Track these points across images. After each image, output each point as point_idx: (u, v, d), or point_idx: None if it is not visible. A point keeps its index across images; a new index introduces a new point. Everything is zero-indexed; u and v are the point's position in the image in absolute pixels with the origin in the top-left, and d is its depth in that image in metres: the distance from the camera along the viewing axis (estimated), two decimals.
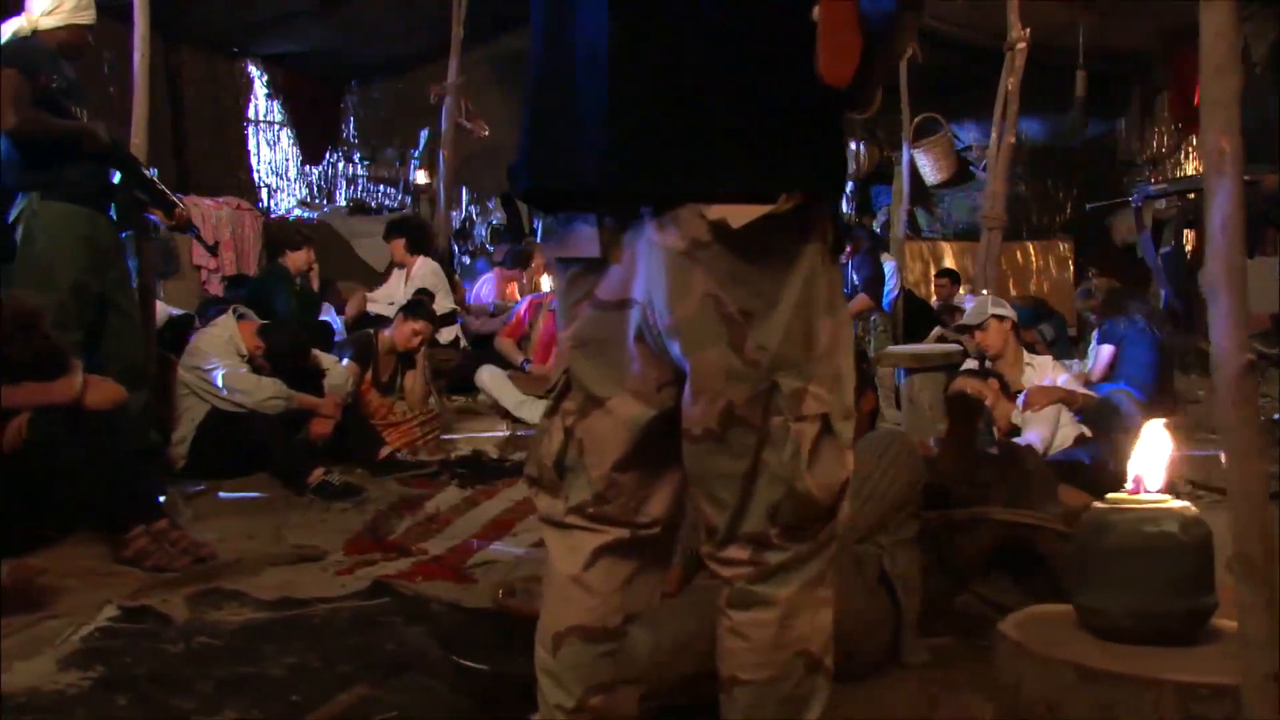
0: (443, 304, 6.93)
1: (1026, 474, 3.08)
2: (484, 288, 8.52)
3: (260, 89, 11.29)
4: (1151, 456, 1.75)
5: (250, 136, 11.23)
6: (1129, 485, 1.73)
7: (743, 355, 1.47)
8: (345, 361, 5.34)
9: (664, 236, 1.46)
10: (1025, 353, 4.77)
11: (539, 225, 12.13)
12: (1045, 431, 4.14)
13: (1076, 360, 6.50)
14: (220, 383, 4.68)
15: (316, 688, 2.54)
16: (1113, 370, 6.08)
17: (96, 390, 3.69)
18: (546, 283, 8.87)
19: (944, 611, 2.90)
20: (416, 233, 7.66)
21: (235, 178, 10.70)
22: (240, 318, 4.96)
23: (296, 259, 6.47)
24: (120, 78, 7.95)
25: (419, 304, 5.81)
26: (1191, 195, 8.07)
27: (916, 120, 10.22)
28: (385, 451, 5.08)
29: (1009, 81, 5.61)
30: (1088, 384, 5.14)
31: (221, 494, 4.53)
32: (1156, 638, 1.63)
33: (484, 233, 12.94)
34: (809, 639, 1.55)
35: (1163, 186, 8.77)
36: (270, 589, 3.30)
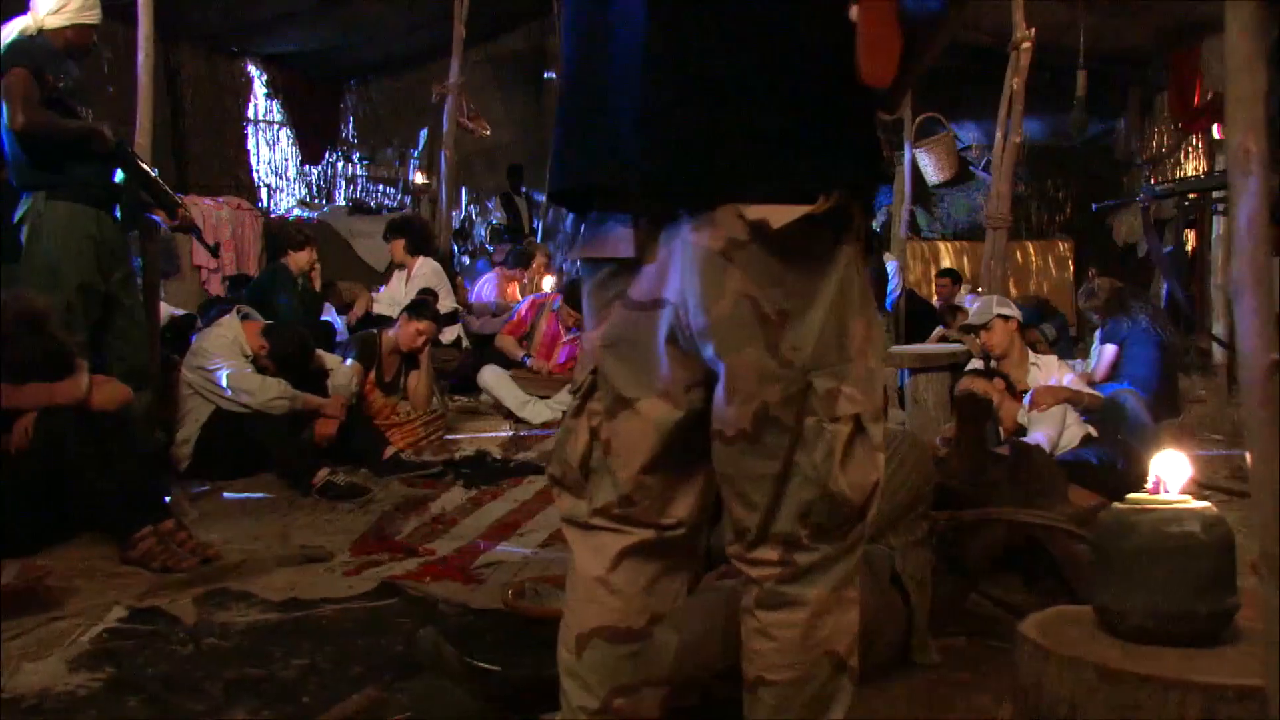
0: (445, 304, 6.93)
1: (1037, 474, 3.08)
2: (485, 287, 8.51)
3: (259, 88, 11.30)
4: (1172, 457, 1.75)
5: (249, 136, 11.23)
6: (1150, 485, 1.72)
7: (778, 356, 1.47)
8: (349, 362, 5.33)
9: (700, 236, 1.46)
10: (1030, 352, 4.77)
11: (539, 225, 12.16)
12: (1052, 431, 4.13)
13: (1079, 360, 6.50)
14: (225, 383, 4.67)
15: (327, 689, 2.54)
16: (1115, 370, 6.09)
17: (103, 390, 3.70)
18: (548, 283, 8.87)
19: (954, 612, 2.89)
20: (417, 233, 7.65)
21: (234, 177, 10.71)
22: (244, 318, 4.95)
23: (299, 259, 6.46)
24: (119, 78, 7.96)
25: (423, 304, 5.80)
26: (1192, 195, 8.06)
27: (918, 120, 10.23)
28: (389, 452, 5.07)
29: (1014, 81, 5.60)
30: (1090, 384, 5.14)
31: (226, 494, 4.53)
32: (1179, 639, 1.63)
33: (483, 232, 12.94)
34: (835, 639, 1.55)
35: (1169, 186, 8.77)
36: (278, 590, 3.30)
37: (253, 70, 11.13)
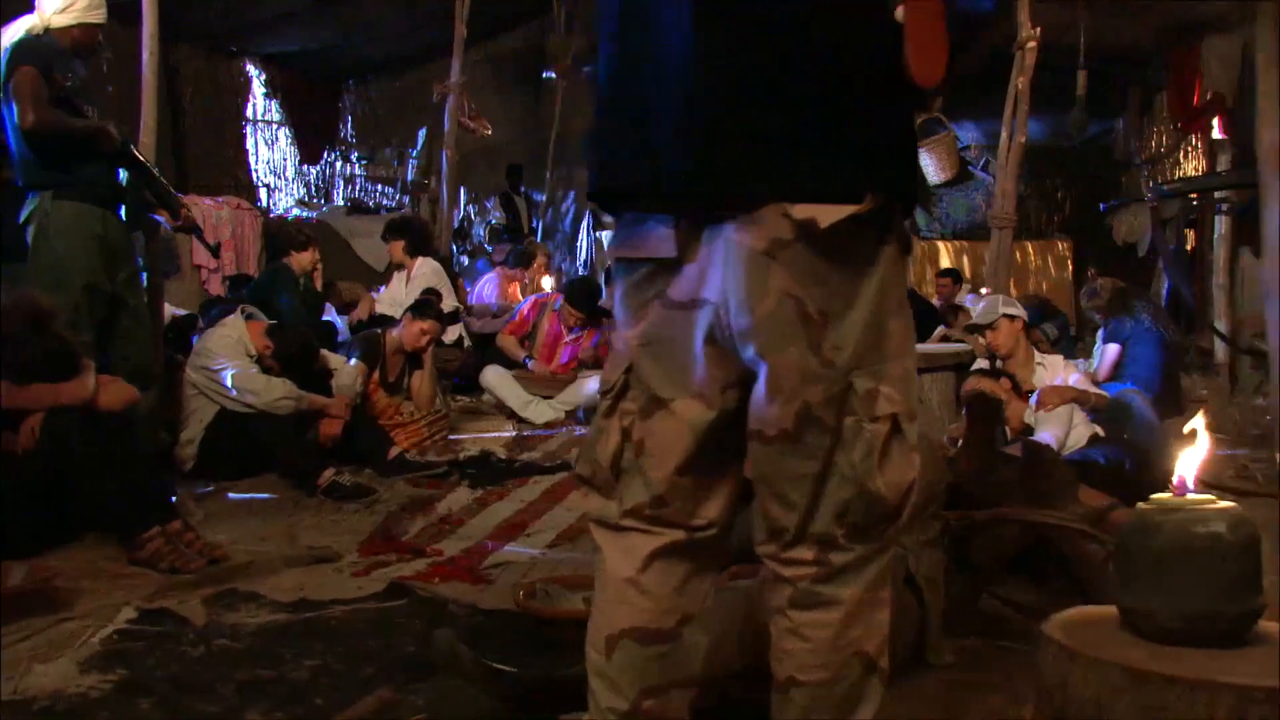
0: (446, 303, 6.92)
1: (1048, 474, 3.07)
2: (486, 287, 8.50)
3: (258, 88, 11.28)
4: (1193, 456, 1.74)
5: (248, 136, 11.21)
6: (1174, 485, 1.72)
7: (820, 356, 1.47)
8: (353, 361, 5.32)
9: (744, 236, 1.45)
10: (1036, 352, 4.77)
11: (538, 224, 12.14)
12: (1058, 431, 4.13)
13: (1081, 359, 6.50)
14: (230, 383, 4.65)
15: (339, 690, 2.53)
16: (1118, 370, 6.10)
17: (109, 391, 3.69)
18: (547, 283, 8.87)
19: (966, 612, 2.89)
20: (416, 233, 7.64)
21: (233, 177, 10.69)
22: (248, 318, 4.94)
23: (302, 259, 6.45)
24: (118, 77, 7.94)
25: (427, 304, 5.79)
26: (1194, 195, 8.08)
27: (920, 120, 10.22)
28: (394, 452, 5.06)
29: (1019, 81, 5.59)
30: (1094, 383, 5.14)
31: (231, 495, 4.52)
32: (1204, 640, 1.62)
33: (482, 232, 12.93)
34: (866, 640, 1.55)
35: (1178, 185, 8.79)
36: (287, 591, 3.29)
37: (251, 70, 11.12)
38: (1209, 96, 10.09)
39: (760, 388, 1.50)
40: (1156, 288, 9.76)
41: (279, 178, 11.71)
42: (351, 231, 9.77)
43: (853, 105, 1.43)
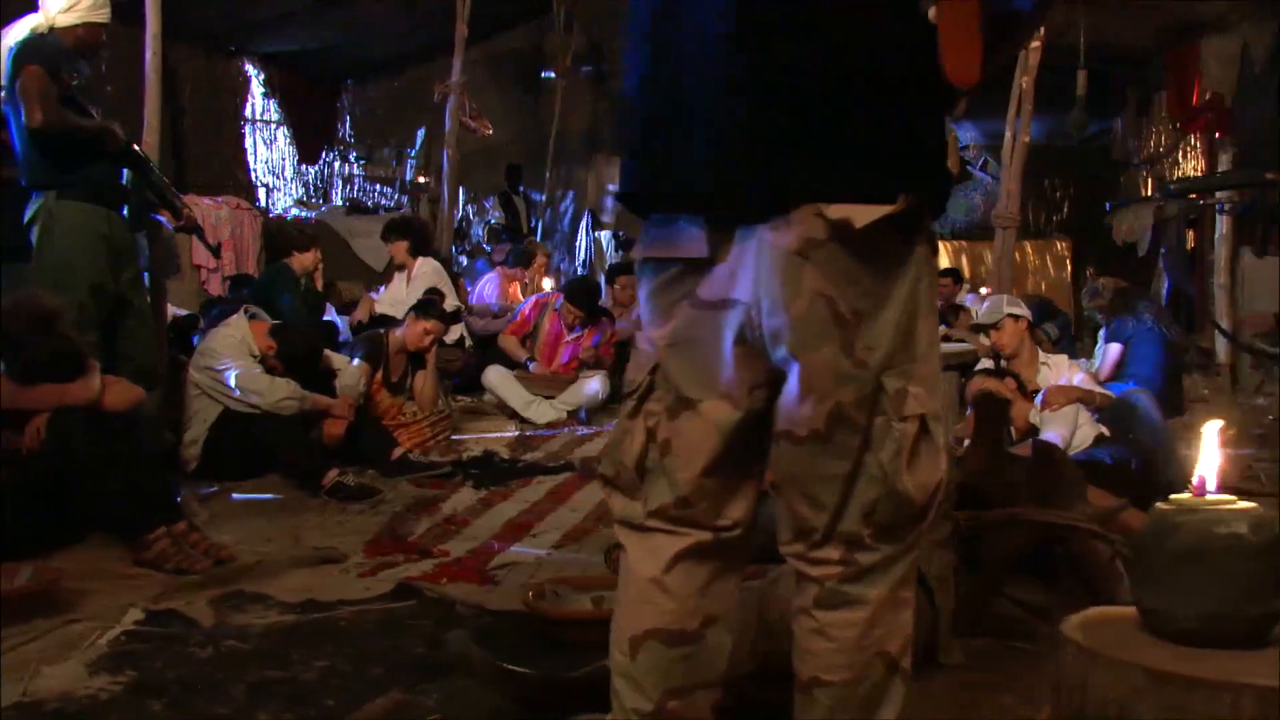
0: (448, 303, 6.91)
1: (1058, 474, 3.07)
2: (486, 287, 8.49)
3: (257, 88, 11.26)
4: (1212, 456, 1.74)
5: (247, 135, 11.19)
6: (1193, 485, 1.71)
7: (852, 356, 1.47)
8: (356, 362, 5.31)
9: (778, 236, 1.46)
10: (1040, 352, 4.77)
11: (536, 224, 12.13)
12: (1064, 431, 4.13)
13: (1083, 359, 6.51)
14: (234, 383, 4.64)
15: (349, 691, 2.53)
16: (1120, 369, 6.10)
17: (115, 391, 3.69)
18: (547, 283, 8.86)
19: (976, 612, 2.89)
20: (418, 234, 7.63)
21: (232, 177, 10.68)
22: (252, 318, 4.92)
23: (304, 260, 6.44)
24: (117, 77, 7.92)
25: (430, 303, 5.78)
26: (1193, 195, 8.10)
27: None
28: (397, 452, 5.04)
29: (1023, 80, 5.60)
30: (1096, 383, 5.14)
31: (235, 495, 4.50)
32: (1227, 641, 1.61)
33: (480, 232, 12.92)
34: (889, 640, 1.55)
35: (1187, 184, 8.80)
36: (294, 591, 3.28)
37: (250, 69, 11.10)
38: (1208, 97, 10.11)
39: (792, 388, 1.50)
40: (1156, 287, 9.77)
41: (277, 177, 11.70)
42: (350, 231, 9.76)
43: (886, 106, 1.44)
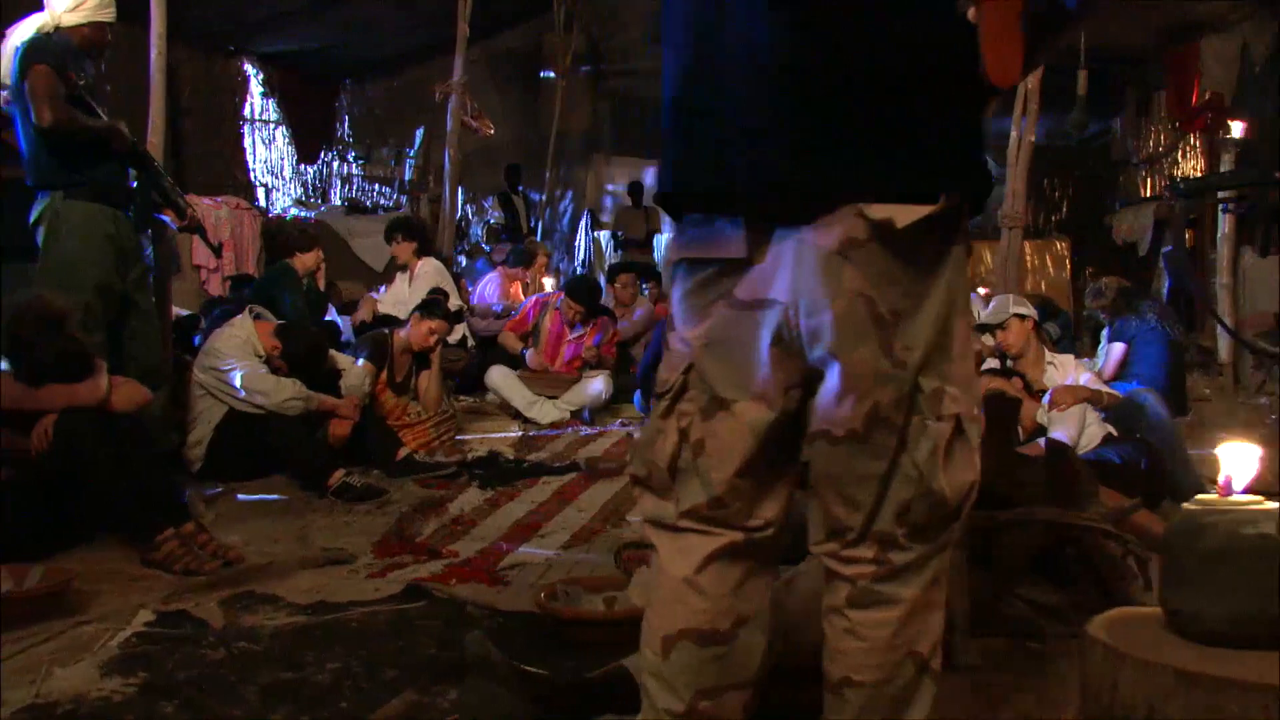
0: (451, 302, 6.90)
1: (1071, 474, 3.07)
2: (488, 288, 8.48)
3: (256, 88, 11.25)
4: (1240, 457, 1.73)
5: (246, 135, 11.18)
6: (1219, 485, 1.71)
7: (891, 356, 1.47)
8: (361, 362, 5.30)
9: (818, 236, 1.45)
10: (1046, 351, 4.77)
11: (536, 224, 12.12)
12: (1072, 431, 4.13)
13: (1086, 359, 6.51)
14: (239, 383, 4.62)
15: (362, 693, 2.52)
16: (1124, 369, 6.11)
17: (122, 392, 3.67)
18: (549, 282, 8.86)
19: (990, 613, 2.88)
20: (422, 234, 7.63)
21: (232, 177, 10.67)
22: (257, 318, 4.90)
23: (306, 260, 6.41)
24: (117, 76, 7.90)
25: (435, 303, 5.76)
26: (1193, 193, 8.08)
27: None
28: (402, 453, 5.03)
29: (1028, 80, 5.60)
30: (1101, 382, 5.14)
31: (240, 496, 4.49)
32: (1254, 641, 1.61)
33: (479, 232, 12.92)
34: (920, 640, 1.56)
35: (1196, 183, 8.81)
36: (303, 592, 3.27)
37: (249, 69, 11.09)
38: (1207, 96, 10.12)
39: (830, 388, 1.50)
40: (1157, 287, 9.78)
41: (276, 177, 11.69)
42: (350, 231, 9.75)
43: (927, 106, 1.44)
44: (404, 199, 12.19)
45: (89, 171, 4.19)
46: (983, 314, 5.07)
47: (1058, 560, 3.16)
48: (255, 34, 10.40)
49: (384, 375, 5.43)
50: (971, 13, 1.36)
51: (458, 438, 5.71)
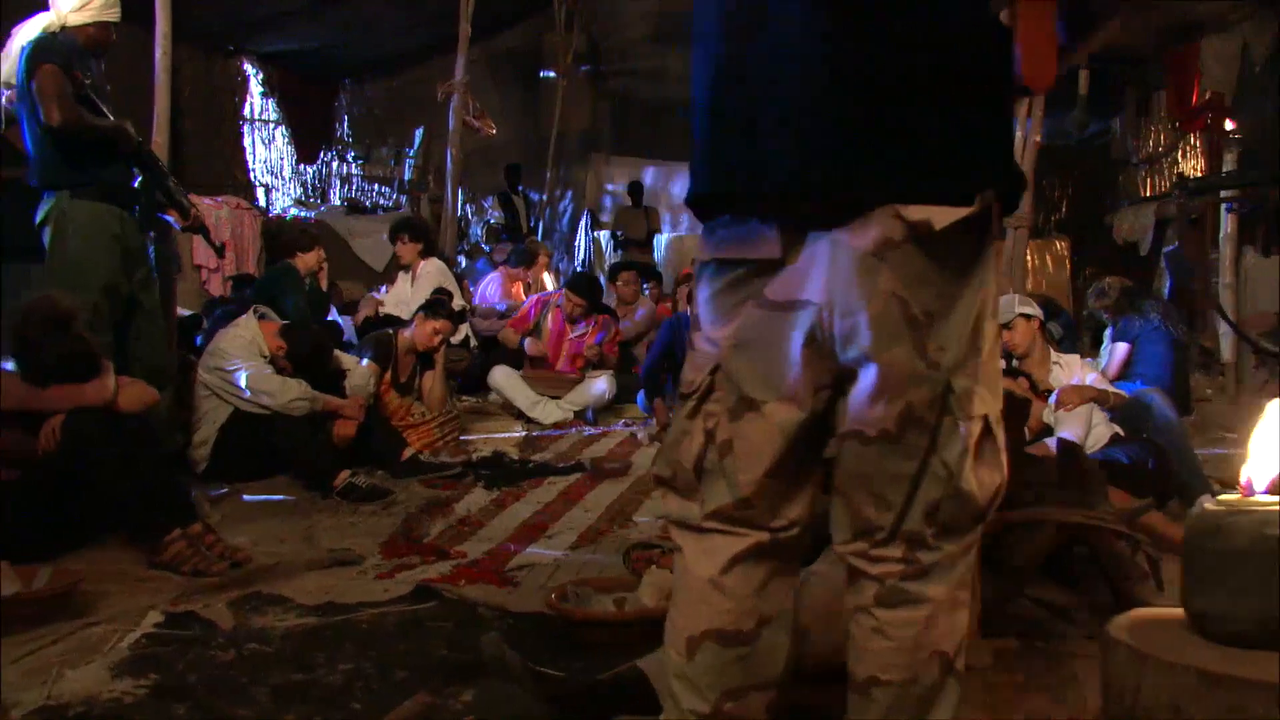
0: (454, 302, 6.88)
1: (1083, 474, 3.06)
2: (490, 288, 8.48)
3: (255, 87, 11.24)
4: (1262, 457, 1.73)
5: (246, 135, 11.17)
6: (1242, 485, 1.71)
7: (925, 357, 1.48)
8: (365, 362, 5.29)
9: (855, 237, 1.46)
10: (1052, 351, 4.76)
11: (536, 224, 12.12)
12: (1079, 431, 4.11)
13: (1089, 359, 6.51)
14: (244, 384, 4.61)
15: (374, 694, 2.51)
16: (1127, 368, 6.11)
17: (129, 392, 3.66)
18: (550, 282, 8.85)
19: (1001, 613, 2.88)
20: (425, 234, 7.62)
21: (231, 177, 10.66)
22: (261, 318, 4.89)
23: (308, 260, 6.40)
24: (118, 76, 7.89)
25: (439, 303, 5.75)
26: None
27: None
28: (407, 453, 5.02)
29: None
30: (1105, 382, 5.13)
31: (245, 497, 4.48)
32: (1277, 642, 1.61)
33: (479, 232, 12.91)
34: (946, 640, 1.56)
35: (1202, 182, 8.81)
36: (312, 594, 3.26)
37: (249, 69, 11.08)
38: (1207, 96, 10.13)
39: (863, 388, 1.50)
40: (1158, 286, 9.79)
41: (276, 177, 11.68)
42: (350, 231, 9.76)
43: (962, 107, 1.44)
44: (404, 199, 12.18)
45: (95, 171, 4.18)
46: None
47: (1066, 560, 3.16)
48: (255, 34, 10.39)
49: (388, 376, 5.43)
50: (1004, 15, 1.36)
51: (462, 438, 5.71)
